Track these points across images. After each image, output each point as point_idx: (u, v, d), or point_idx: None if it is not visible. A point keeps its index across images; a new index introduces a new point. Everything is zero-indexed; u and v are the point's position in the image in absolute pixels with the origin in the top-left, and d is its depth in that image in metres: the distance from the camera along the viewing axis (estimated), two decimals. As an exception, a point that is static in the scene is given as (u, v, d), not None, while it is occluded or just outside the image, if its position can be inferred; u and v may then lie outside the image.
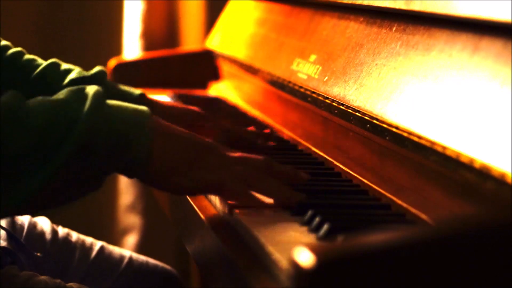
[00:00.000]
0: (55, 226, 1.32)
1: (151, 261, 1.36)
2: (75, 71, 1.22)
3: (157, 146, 0.88)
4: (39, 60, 1.24)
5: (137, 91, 1.25)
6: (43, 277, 1.12)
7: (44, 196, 0.85)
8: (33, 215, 1.02)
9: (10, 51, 1.24)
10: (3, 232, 1.19)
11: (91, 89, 0.86)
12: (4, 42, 1.25)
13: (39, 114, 0.83)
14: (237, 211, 0.89)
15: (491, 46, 0.83)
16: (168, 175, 0.90)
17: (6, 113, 0.81)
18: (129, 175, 0.94)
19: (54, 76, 1.21)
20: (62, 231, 1.32)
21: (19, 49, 1.25)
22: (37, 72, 1.21)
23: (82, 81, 1.19)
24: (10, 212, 0.90)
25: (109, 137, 0.85)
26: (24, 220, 1.29)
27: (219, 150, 0.91)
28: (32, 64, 1.23)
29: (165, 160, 0.89)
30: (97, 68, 1.24)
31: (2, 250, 1.15)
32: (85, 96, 0.85)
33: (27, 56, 1.24)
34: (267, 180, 0.91)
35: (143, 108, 0.89)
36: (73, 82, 1.20)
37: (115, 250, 1.35)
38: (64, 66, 1.24)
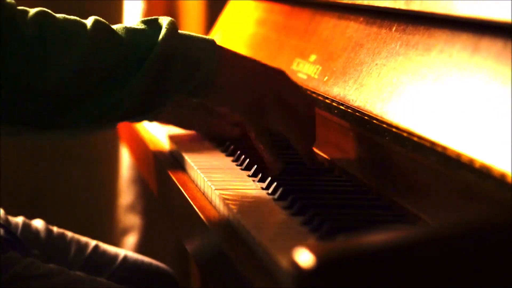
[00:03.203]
0: (49, 226, 1.32)
1: (146, 259, 1.36)
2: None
3: (222, 67, 1.00)
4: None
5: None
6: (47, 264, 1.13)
7: (128, 104, 0.96)
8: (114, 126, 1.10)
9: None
10: (1, 229, 1.19)
11: (165, 20, 0.98)
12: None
13: (125, 35, 0.96)
14: (236, 211, 0.89)
15: (491, 46, 0.83)
16: (227, 93, 1.02)
17: (104, 27, 0.96)
18: (194, 93, 1.02)
19: None
20: (57, 230, 1.32)
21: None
22: None
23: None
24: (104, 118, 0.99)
25: (182, 57, 0.97)
26: (18, 221, 1.29)
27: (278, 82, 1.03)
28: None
29: (228, 79, 1.01)
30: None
31: (2, 239, 1.15)
32: (159, 25, 0.98)
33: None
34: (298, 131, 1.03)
35: (209, 37, 1.02)
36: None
37: (110, 248, 1.35)
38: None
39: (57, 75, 0.92)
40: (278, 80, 1.04)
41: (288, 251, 0.73)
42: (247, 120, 1.03)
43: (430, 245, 0.61)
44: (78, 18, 0.96)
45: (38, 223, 1.31)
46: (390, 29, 1.04)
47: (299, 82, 1.21)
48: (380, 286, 0.59)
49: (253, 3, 1.62)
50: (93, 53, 0.94)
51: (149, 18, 0.99)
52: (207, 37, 1.01)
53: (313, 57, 1.22)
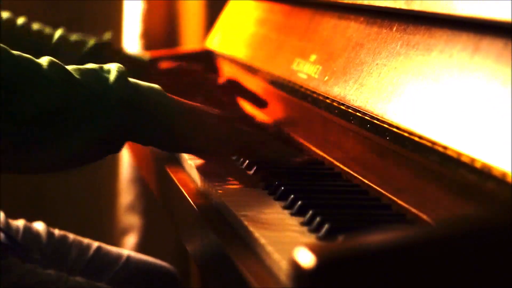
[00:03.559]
0: (51, 228, 1.32)
1: (150, 259, 1.36)
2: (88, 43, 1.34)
3: (176, 116, 0.98)
4: (47, 29, 1.29)
5: (145, 56, 1.39)
6: (46, 270, 1.13)
7: (81, 150, 0.94)
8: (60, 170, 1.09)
9: (19, 22, 1.28)
10: (1, 234, 1.19)
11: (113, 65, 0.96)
12: (7, 14, 1.29)
13: (80, 76, 0.93)
14: (236, 211, 0.89)
15: (492, 46, 0.83)
16: (181, 139, 1.00)
17: (60, 71, 0.91)
18: (146, 140, 1.01)
19: (68, 47, 1.33)
20: (58, 233, 1.32)
21: (23, 19, 1.29)
22: (53, 44, 1.31)
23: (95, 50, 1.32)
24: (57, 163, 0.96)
25: (138, 103, 0.94)
26: (19, 224, 1.29)
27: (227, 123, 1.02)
28: (42, 34, 1.29)
29: (181, 127, 0.99)
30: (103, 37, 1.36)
31: (2, 245, 1.15)
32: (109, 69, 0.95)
33: (36, 26, 1.29)
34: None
35: (156, 86, 0.98)
36: (87, 53, 1.32)
37: (113, 249, 1.35)
38: (73, 38, 1.35)
39: (15, 117, 0.89)
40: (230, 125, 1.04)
41: (288, 251, 0.73)
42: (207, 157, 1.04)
43: (430, 245, 0.61)
44: (32, 58, 0.92)
45: (39, 226, 1.31)
46: (391, 29, 1.04)
47: (300, 82, 1.21)
48: (380, 286, 0.59)
49: (253, 3, 1.62)
50: (50, 91, 0.90)
51: (97, 66, 0.97)
52: (154, 85, 0.99)
53: (313, 57, 1.22)
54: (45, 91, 0.89)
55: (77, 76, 0.92)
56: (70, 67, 0.93)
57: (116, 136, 0.95)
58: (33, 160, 0.92)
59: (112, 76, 0.94)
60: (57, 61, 0.92)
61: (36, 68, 0.90)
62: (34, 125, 0.89)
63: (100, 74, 0.94)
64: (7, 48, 0.90)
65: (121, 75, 0.94)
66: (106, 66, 0.96)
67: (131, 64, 1.29)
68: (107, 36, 1.34)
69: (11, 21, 1.29)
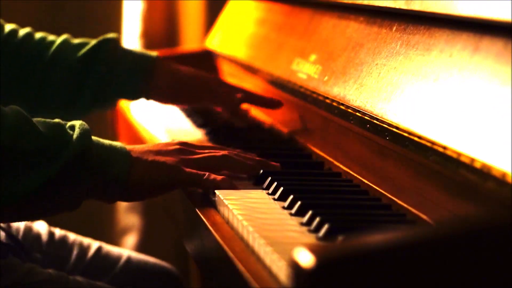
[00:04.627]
0: (52, 228, 1.32)
1: (151, 259, 1.36)
2: (87, 46, 1.32)
3: (133, 169, 1.00)
4: (50, 37, 1.29)
5: (152, 53, 1.35)
6: (47, 269, 1.13)
7: (31, 201, 0.94)
8: (11, 221, 1.11)
9: (21, 33, 1.28)
10: (2, 233, 1.19)
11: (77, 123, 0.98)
12: (11, 26, 1.29)
13: (43, 128, 0.95)
14: (235, 210, 0.89)
15: (492, 46, 0.83)
16: (141, 191, 1.02)
17: (21, 117, 0.93)
18: (107, 197, 1.05)
19: (68, 52, 1.32)
20: (59, 232, 1.32)
21: (28, 29, 1.29)
22: (52, 51, 1.30)
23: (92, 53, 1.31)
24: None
25: (94, 157, 0.97)
26: (19, 224, 1.29)
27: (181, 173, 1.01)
28: (45, 42, 1.28)
29: (140, 179, 1.01)
30: (105, 36, 1.34)
31: (2, 244, 1.15)
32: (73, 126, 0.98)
33: (38, 35, 1.29)
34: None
35: (118, 144, 1.01)
36: (85, 55, 1.31)
37: (113, 249, 1.35)
38: (76, 41, 1.34)
39: None
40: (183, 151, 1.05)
41: (288, 251, 0.73)
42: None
43: (430, 245, 0.61)
44: None
45: (40, 226, 1.31)
46: (391, 29, 1.04)
47: (299, 82, 1.21)
48: (380, 286, 0.59)
49: (253, 3, 1.62)
50: (11, 142, 0.92)
51: (61, 123, 0.99)
52: (116, 143, 1.02)
53: (313, 57, 1.22)
54: (7, 135, 0.92)
55: (39, 126, 0.95)
56: (36, 119, 0.96)
57: (67, 191, 0.97)
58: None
59: (75, 134, 0.96)
60: (22, 111, 0.94)
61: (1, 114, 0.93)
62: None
63: (63, 130, 0.96)
64: None
65: (83, 133, 0.96)
66: (71, 123, 0.98)
67: (135, 63, 1.29)
68: (112, 35, 1.34)
69: (15, 32, 1.30)
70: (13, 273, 1.09)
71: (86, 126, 0.98)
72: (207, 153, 1.04)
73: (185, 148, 1.04)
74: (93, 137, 0.98)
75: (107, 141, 1.00)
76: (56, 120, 0.98)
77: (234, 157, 1.04)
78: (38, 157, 0.93)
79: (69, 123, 0.98)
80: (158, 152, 1.02)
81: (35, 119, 0.96)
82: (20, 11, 1.99)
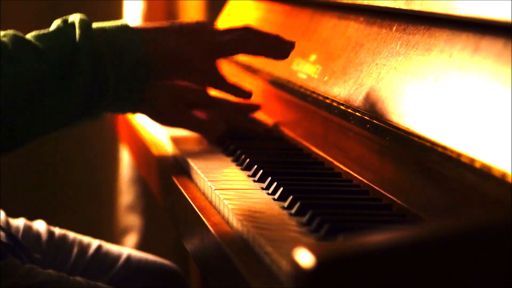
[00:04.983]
0: (51, 227, 1.32)
1: (151, 257, 1.36)
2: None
3: (147, 43, 1.03)
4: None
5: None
6: (47, 270, 1.12)
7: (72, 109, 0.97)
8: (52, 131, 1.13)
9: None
10: (1, 233, 1.19)
11: (75, 19, 0.99)
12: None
13: (41, 43, 0.96)
14: (235, 210, 0.89)
15: (492, 46, 0.83)
16: (155, 66, 1.04)
17: (22, 41, 0.95)
18: (133, 78, 1.04)
19: None
20: (58, 232, 1.32)
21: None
22: None
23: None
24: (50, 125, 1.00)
25: (107, 49, 0.99)
26: (19, 223, 1.29)
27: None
28: None
29: (157, 51, 1.04)
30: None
31: (2, 245, 1.15)
32: (72, 23, 0.99)
33: None
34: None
35: (122, 21, 1.03)
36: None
37: (113, 248, 1.34)
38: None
39: None
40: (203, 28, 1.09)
41: (288, 251, 0.73)
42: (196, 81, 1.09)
43: (430, 245, 0.61)
44: None
45: (40, 225, 1.31)
46: (391, 29, 1.04)
47: (299, 82, 1.21)
48: (380, 286, 0.59)
49: (253, 3, 1.62)
50: (18, 72, 0.94)
51: (59, 19, 1.00)
52: (119, 22, 1.03)
53: (313, 57, 1.22)
54: (14, 69, 0.93)
55: (41, 46, 0.95)
56: (32, 35, 0.96)
57: (94, 92, 0.98)
58: (21, 129, 0.97)
59: (77, 33, 0.97)
60: (18, 35, 0.95)
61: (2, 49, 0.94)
62: (16, 96, 0.93)
63: (65, 34, 0.97)
64: None
65: (85, 28, 0.98)
66: (70, 19, 0.99)
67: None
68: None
69: None
70: (13, 274, 1.09)
71: (84, 18, 1.00)
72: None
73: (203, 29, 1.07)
74: (94, 25, 1.00)
75: (107, 23, 1.01)
76: (54, 24, 0.98)
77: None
78: (58, 76, 0.95)
79: (69, 21, 0.99)
80: (176, 29, 1.05)
81: (32, 35, 0.96)
82: (20, 11, 1.99)
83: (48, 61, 0.95)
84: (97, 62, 0.97)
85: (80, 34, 0.97)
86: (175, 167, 1.17)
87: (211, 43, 1.06)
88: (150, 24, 1.05)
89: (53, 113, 0.97)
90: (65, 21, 0.99)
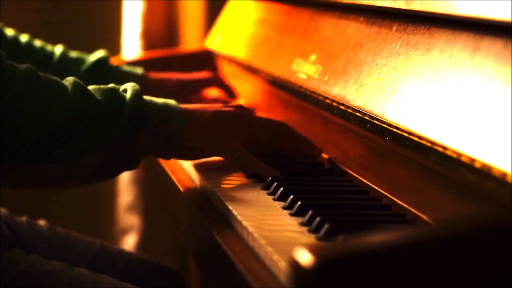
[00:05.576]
0: (54, 226, 1.32)
1: (151, 259, 1.36)
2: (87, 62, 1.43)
3: (190, 120, 1.05)
4: (48, 47, 1.37)
5: (138, 70, 1.47)
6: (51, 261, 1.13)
7: (97, 164, 1.00)
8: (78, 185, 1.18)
9: (23, 41, 1.34)
10: (4, 228, 1.20)
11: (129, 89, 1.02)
12: (11, 32, 1.33)
13: (99, 95, 1.01)
14: (235, 211, 0.89)
15: (492, 46, 0.83)
16: (197, 145, 1.06)
17: (80, 89, 0.99)
18: (165, 153, 1.07)
19: (71, 67, 1.43)
20: (61, 231, 1.32)
21: (27, 37, 1.35)
22: (56, 65, 1.41)
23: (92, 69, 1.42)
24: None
25: (151, 115, 1.02)
26: (22, 220, 1.29)
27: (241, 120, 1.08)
28: (45, 53, 1.40)
29: (198, 129, 1.05)
30: (99, 54, 1.45)
31: (6, 237, 1.16)
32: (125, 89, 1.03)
33: (37, 44, 1.37)
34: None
35: (172, 101, 1.06)
36: (87, 71, 1.42)
37: (115, 248, 1.35)
38: (73, 54, 1.45)
39: (42, 120, 0.96)
40: (241, 119, 1.10)
41: (288, 251, 0.73)
42: (227, 155, 1.07)
43: (430, 245, 0.61)
44: (58, 79, 1.00)
45: (42, 224, 1.31)
46: (391, 29, 1.04)
47: (299, 82, 1.21)
48: (380, 286, 0.59)
49: (253, 3, 1.62)
50: (72, 112, 0.98)
51: (115, 86, 1.04)
52: (169, 100, 1.06)
53: (313, 57, 1.22)
54: (62, 103, 0.97)
55: (95, 94, 1.00)
56: (91, 87, 1.01)
57: (128, 150, 1.01)
58: (47, 175, 1.00)
59: (128, 94, 1.01)
60: (79, 81, 1.00)
61: (61, 88, 0.99)
62: (50, 138, 0.96)
63: (118, 93, 1.01)
64: (36, 70, 0.98)
65: (135, 94, 1.01)
66: (123, 86, 1.03)
67: (126, 79, 1.34)
68: (103, 53, 1.47)
69: (15, 39, 1.36)
70: (18, 264, 1.10)
71: (137, 87, 1.02)
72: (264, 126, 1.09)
73: (241, 116, 1.08)
74: (146, 97, 1.02)
75: (160, 100, 1.04)
76: (110, 85, 1.03)
77: (293, 131, 1.10)
78: (98, 124, 0.98)
79: (122, 87, 1.03)
80: (215, 115, 1.06)
81: (90, 87, 1.01)
82: (20, 11, 1.99)
83: (95, 111, 0.99)
84: (136, 125, 1.00)
85: (131, 96, 1.01)
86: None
87: (245, 135, 1.08)
88: (195, 107, 1.08)
89: (82, 157, 1.00)
90: (119, 87, 1.04)
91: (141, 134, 1.00)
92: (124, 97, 1.00)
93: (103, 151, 0.99)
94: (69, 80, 1.00)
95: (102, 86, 1.02)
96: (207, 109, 1.08)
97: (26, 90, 0.96)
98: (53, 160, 0.97)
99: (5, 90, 0.95)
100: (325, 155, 1.13)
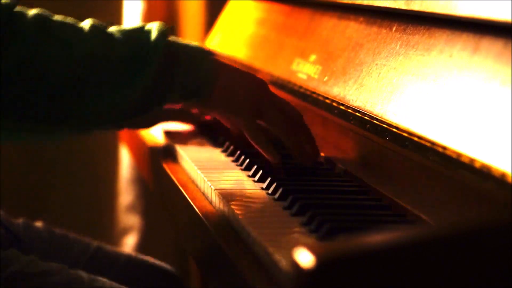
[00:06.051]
0: (51, 228, 1.32)
1: (150, 260, 1.36)
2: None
3: (220, 69, 1.05)
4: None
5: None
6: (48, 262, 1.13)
7: (132, 102, 0.99)
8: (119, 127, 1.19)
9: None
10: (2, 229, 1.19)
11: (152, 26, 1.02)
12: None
13: (122, 36, 0.99)
14: (236, 211, 0.89)
15: (492, 46, 0.83)
16: (227, 94, 1.06)
17: (102, 28, 0.99)
18: (194, 94, 1.06)
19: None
20: (58, 232, 1.32)
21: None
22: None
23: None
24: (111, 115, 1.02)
25: (184, 57, 1.02)
26: (19, 222, 1.29)
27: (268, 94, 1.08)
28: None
29: (227, 81, 1.06)
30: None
31: (3, 237, 1.16)
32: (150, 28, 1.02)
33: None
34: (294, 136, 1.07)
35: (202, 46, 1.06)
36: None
37: (112, 250, 1.35)
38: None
39: (60, 67, 0.94)
40: (269, 89, 1.09)
41: (288, 251, 0.73)
42: (246, 120, 1.06)
43: (430, 245, 0.61)
44: (74, 21, 0.99)
45: (40, 225, 1.31)
46: (390, 29, 1.04)
47: (299, 82, 1.21)
48: (380, 286, 0.59)
49: (253, 3, 1.62)
50: (93, 52, 0.96)
51: (138, 25, 1.03)
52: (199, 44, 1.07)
53: (313, 57, 1.22)
54: (84, 43, 0.96)
55: (118, 35, 0.98)
56: (112, 28, 0.99)
57: (157, 87, 1.00)
58: (84, 110, 0.98)
59: (153, 35, 1.00)
60: (98, 24, 0.98)
61: (79, 29, 0.97)
62: (82, 70, 0.95)
63: (141, 34, 1.00)
64: (49, 14, 0.97)
65: (161, 34, 1.00)
66: (148, 26, 1.02)
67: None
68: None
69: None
70: (14, 264, 1.09)
71: (163, 26, 1.02)
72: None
73: (268, 89, 1.08)
74: (172, 38, 1.02)
75: (186, 41, 1.04)
76: (133, 25, 1.02)
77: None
78: (127, 66, 0.97)
79: (146, 27, 1.01)
80: (247, 76, 1.08)
81: (112, 28, 0.99)
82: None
83: (120, 51, 0.98)
84: (165, 68, 1.00)
85: (157, 36, 1.00)
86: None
87: (264, 108, 1.07)
88: (225, 61, 1.09)
89: (109, 103, 0.99)
90: (143, 26, 1.03)
91: (174, 75, 1.00)
92: (148, 39, 0.99)
93: (130, 88, 0.98)
94: (87, 23, 0.98)
95: (125, 28, 1.00)
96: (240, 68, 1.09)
97: (38, 37, 0.94)
98: (85, 96, 0.96)
99: (16, 40, 0.92)
100: (325, 155, 1.13)
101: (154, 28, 1.01)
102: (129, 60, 0.98)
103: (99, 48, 0.97)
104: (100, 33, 0.97)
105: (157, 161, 1.23)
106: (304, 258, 0.59)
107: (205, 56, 1.04)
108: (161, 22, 1.02)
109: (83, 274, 1.15)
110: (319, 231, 0.82)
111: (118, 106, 0.99)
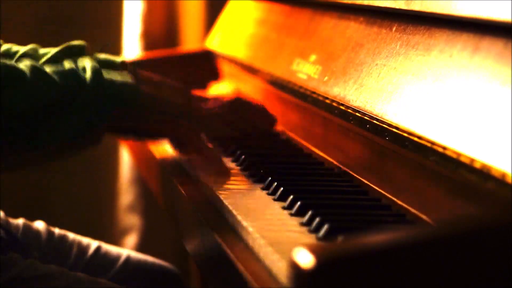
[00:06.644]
0: (51, 228, 1.32)
1: (150, 259, 1.36)
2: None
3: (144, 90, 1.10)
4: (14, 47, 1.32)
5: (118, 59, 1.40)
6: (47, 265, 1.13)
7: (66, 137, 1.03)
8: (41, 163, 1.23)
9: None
10: (1, 230, 1.19)
11: (86, 65, 1.06)
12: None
13: (58, 78, 1.03)
14: (236, 211, 0.89)
15: (492, 46, 0.83)
16: (153, 126, 1.13)
17: (37, 71, 1.01)
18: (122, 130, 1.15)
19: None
20: (58, 232, 1.32)
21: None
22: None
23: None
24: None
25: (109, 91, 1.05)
26: (19, 222, 1.29)
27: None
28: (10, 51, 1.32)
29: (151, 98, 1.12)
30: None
31: (2, 240, 1.15)
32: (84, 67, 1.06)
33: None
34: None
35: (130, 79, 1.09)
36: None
37: (113, 249, 1.35)
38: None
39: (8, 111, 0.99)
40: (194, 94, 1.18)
41: (288, 251, 0.73)
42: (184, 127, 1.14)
43: (430, 245, 0.61)
44: (14, 65, 1.02)
45: (39, 225, 1.31)
46: (390, 29, 1.04)
47: (299, 82, 1.21)
48: (380, 286, 0.59)
49: (253, 3, 1.62)
50: (34, 99, 1.01)
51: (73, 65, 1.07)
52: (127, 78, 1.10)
53: (313, 57, 1.22)
54: (27, 91, 1.00)
55: (56, 78, 1.02)
56: (49, 68, 1.03)
57: (94, 128, 1.05)
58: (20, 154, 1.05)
59: (87, 75, 1.04)
60: (37, 65, 1.02)
61: (19, 73, 1.00)
62: (20, 121, 0.99)
63: (78, 75, 1.04)
64: None
65: (95, 74, 1.05)
66: (81, 64, 1.06)
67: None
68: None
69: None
70: (14, 268, 1.09)
71: (97, 66, 1.06)
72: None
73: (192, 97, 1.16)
74: (105, 75, 1.06)
75: (119, 79, 1.08)
76: (67, 64, 1.05)
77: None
78: (58, 105, 1.01)
79: (80, 65, 1.06)
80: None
81: (47, 68, 1.03)
82: (20, 11, 1.99)
83: (61, 94, 1.02)
84: (98, 105, 1.04)
85: (91, 79, 1.04)
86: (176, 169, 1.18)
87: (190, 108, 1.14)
88: (151, 89, 1.13)
89: (56, 130, 1.03)
90: (76, 65, 1.07)
91: (103, 112, 1.04)
92: (84, 80, 1.03)
93: (66, 131, 1.02)
94: (27, 65, 1.01)
95: (61, 68, 1.04)
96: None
97: None
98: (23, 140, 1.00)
99: None
100: (325, 156, 1.13)
101: (88, 69, 1.06)
102: (67, 101, 1.02)
103: (44, 94, 1.01)
104: (43, 79, 1.02)
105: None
106: (304, 258, 0.59)
107: (128, 88, 1.08)
108: (94, 65, 1.07)
109: (83, 277, 1.15)
110: (319, 231, 0.82)
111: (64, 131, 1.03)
